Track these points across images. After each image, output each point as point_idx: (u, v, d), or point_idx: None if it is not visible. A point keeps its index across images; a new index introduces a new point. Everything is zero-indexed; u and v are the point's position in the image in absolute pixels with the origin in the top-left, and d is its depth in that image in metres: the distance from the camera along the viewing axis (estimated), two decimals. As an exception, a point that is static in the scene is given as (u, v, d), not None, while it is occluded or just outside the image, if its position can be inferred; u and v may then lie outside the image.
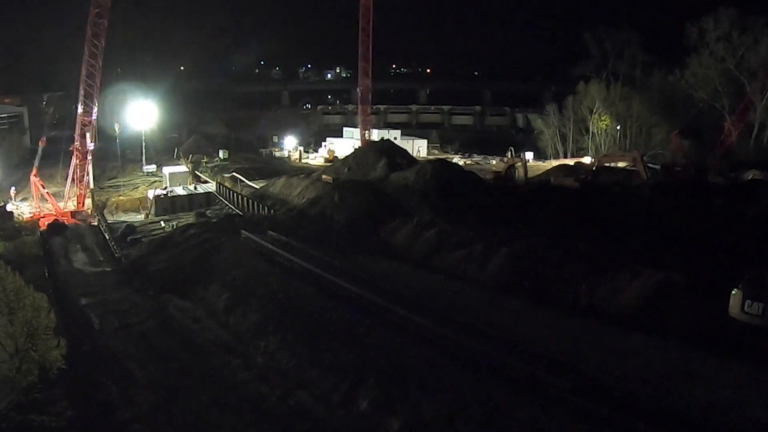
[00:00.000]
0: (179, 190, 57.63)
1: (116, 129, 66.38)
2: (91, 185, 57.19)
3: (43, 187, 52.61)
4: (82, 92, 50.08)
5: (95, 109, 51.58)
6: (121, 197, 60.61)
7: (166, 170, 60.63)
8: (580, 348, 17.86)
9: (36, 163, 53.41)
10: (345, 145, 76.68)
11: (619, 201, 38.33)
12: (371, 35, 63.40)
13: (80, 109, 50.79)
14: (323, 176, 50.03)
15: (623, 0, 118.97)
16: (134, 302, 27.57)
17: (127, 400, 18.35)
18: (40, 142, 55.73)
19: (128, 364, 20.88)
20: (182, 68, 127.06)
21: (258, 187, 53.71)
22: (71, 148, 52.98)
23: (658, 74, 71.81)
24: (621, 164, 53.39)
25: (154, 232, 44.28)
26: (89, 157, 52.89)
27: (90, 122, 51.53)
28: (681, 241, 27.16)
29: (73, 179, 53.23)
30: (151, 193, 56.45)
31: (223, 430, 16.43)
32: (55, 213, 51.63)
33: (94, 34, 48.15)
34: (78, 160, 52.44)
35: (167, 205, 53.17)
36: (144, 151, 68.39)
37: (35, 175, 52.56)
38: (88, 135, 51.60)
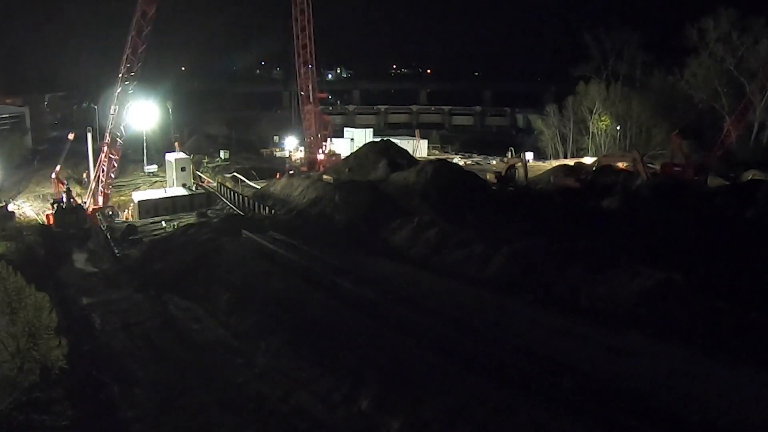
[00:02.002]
0: (181, 190, 57.55)
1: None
2: (92, 185, 57.18)
3: (64, 185, 52.37)
4: (118, 92, 49.94)
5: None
6: (122, 197, 60.60)
7: (170, 156, 59.97)
8: (580, 348, 17.93)
9: (61, 160, 53.12)
10: (345, 145, 76.71)
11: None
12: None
13: (113, 110, 50.57)
14: (324, 176, 50.04)
15: (623, 0, 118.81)
16: (135, 302, 27.62)
17: (129, 400, 18.42)
18: (70, 137, 55.00)
19: (129, 364, 20.96)
20: (183, 69, 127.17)
21: (259, 187, 53.75)
22: (102, 147, 52.60)
23: (657, 75, 71.78)
24: (621, 164, 53.40)
25: (155, 232, 44.34)
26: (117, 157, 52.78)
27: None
28: (681, 241, 27.20)
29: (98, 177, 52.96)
30: (135, 196, 55.80)
31: (225, 430, 16.49)
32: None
33: (137, 37, 47.98)
34: (107, 158, 52.15)
35: (150, 207, 52.50)
36: (145, 151, 68.41)
37: (58, 173, 52.26)
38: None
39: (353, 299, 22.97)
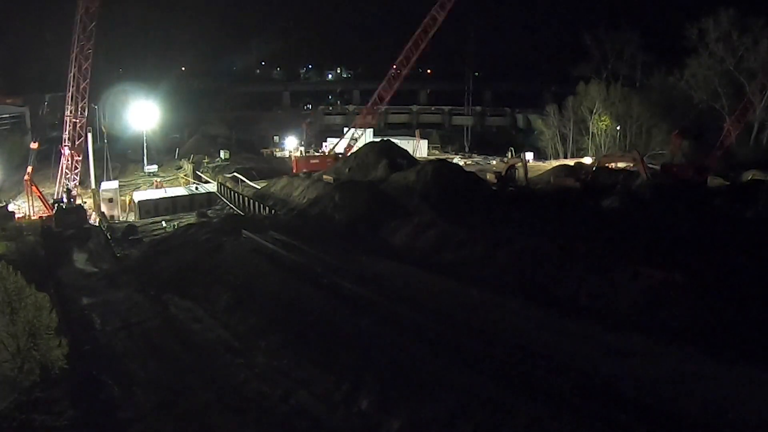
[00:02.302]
0: (181, 190, 57.61)
1: (104, 129, 65.23)
2: (93, 185, 57.24)
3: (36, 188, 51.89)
4: (71, 93, 49.52)
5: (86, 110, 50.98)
6: (122, 197, 60.67)
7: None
8: (580, 348, 17.94)
9: (31, 160, 52.92)
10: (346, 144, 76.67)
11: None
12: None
13: (69, 111, 50.13)
14: (324, 176, 50.06)
15: (623, 0, 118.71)
16: (135, 302, 27.62)
17: (129, 400, 18.43)
18: (32, 145, 54.90)
19: (129, 364, 20.96)
20: (183, 69, 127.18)
21: (259, 187, 53.79)
22: (61, 148, 52.07)
23: (657, 75, 71.87)
24: (621, 164, 53.46)
25: (155, 232, 44.39)
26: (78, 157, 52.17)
27: (83, 122, 50.89)
28: (681, 241, 27.21)
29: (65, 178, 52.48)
30: (136, 196, 55.48)
31: (225, 430, 16.50)
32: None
33: (83, 35, 47.57)
34: (66, 160, 51.47)
35: (150, 207, 52.11)
36: (145, 151, 68.54)
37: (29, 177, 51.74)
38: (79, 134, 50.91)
39: (353, 299, 22.99)
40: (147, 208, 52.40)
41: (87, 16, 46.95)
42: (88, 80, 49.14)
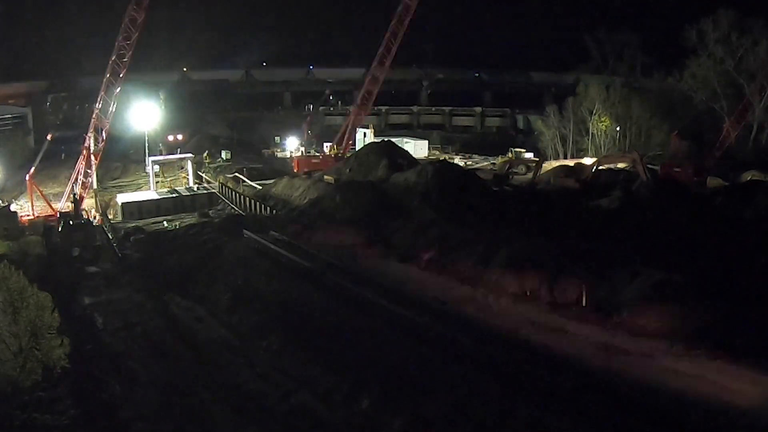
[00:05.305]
0: (183, 191, 57.65)
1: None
2: (94, 185, 57.21)
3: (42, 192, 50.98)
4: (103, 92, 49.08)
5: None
6: (107, 199, 60.38)
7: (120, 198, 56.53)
8: (580, 347, 18.02)
9: (37, 161, 52.60)
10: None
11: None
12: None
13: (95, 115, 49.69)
14: (325, 177, 50.11)
15: (623, 2, 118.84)
16: (137, 301, 27.68)
17: (130, 399, 18.50)
18: (48, 137, 54.12)
19: (131, 363, 21.02)
20: (185, 69, 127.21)
21: (260, 187, 53.85)
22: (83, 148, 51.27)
23: (657, 76, 71.95)
24: (621, 165, 53.49)
25: (156, 232, 44.36)
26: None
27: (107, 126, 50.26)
28: (681, 241, 27.26)
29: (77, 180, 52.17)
30: (120, 198, 54.99)
31: (226, 429, 16.58)
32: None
33: (124, 43, 47.29)
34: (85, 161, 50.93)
35: (134, 209, 51.56)
36: (147, 151, 68.53)
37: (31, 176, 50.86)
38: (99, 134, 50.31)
39: (354, 299, 23.07)
40: (130, 210, 51.92)
41: (132, 26, 46.61)
42: (120, 87, 48.63)
